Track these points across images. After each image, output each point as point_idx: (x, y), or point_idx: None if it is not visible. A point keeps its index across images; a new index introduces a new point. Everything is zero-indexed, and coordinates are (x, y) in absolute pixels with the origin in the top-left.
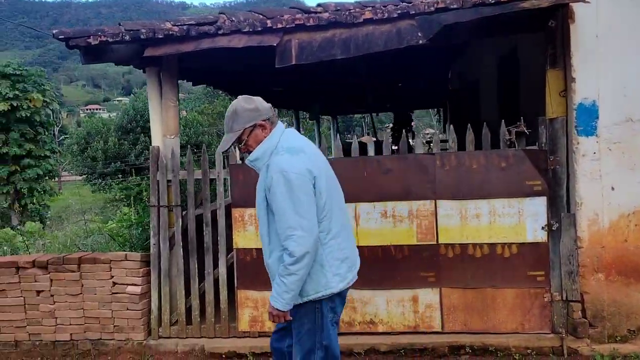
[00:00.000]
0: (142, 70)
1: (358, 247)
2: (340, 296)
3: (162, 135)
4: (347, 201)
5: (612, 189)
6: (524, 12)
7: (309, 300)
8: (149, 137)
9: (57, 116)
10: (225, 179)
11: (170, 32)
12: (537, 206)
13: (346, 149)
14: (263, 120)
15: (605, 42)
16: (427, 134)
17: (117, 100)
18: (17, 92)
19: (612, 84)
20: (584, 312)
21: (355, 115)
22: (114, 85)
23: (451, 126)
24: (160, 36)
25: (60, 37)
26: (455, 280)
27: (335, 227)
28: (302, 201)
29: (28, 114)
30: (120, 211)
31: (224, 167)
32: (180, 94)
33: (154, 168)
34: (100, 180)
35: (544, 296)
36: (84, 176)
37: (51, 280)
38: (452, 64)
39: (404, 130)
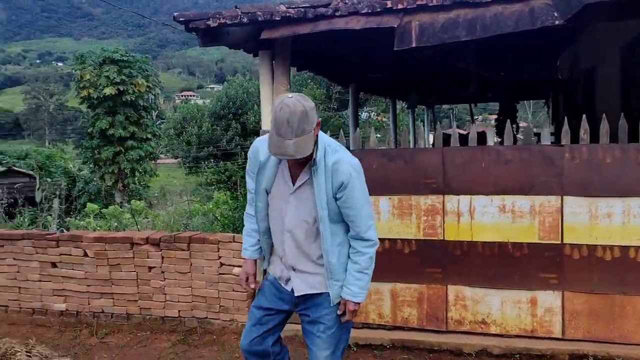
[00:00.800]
0: (251, 54)
1: (473, 242)
2: None
3: None
4: (461, 193)
5: None
6: None
7: None
8: (241, 123)
9: (155, 101)
10: None
11: (287, 14)
12: None
13: (444, 139)
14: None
15: None
16: (521, 127)
17: (210, 88)
18: (123, 77)
19: None
20: None
21: (443, 107)
22: (207, 73)
23: (583, 115)
24: (277, 18)
25: (180, 19)
26: (580, 283)
27: None
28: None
29: (133, 98)
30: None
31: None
32: None
33: None
34: (193, 163)
35: None
36: (179, 159)
37: (162, 257)
38: (562, 51)
39: (508, 121)
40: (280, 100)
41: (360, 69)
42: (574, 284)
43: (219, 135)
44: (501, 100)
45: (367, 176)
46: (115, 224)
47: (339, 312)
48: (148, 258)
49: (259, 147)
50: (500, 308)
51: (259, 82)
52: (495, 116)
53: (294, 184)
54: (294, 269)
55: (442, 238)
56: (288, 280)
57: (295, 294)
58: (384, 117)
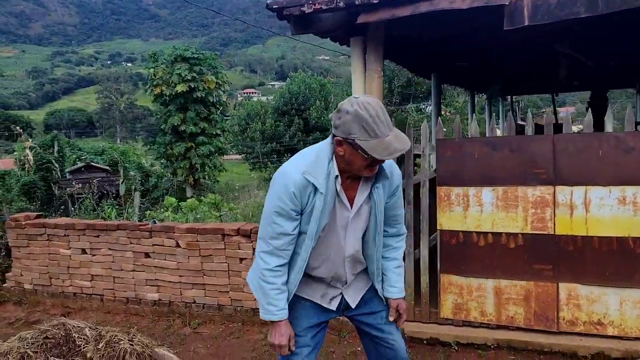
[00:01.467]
0: (338, 43)
1: (588, 236)
2: None
3: None
4: (575, 183)
5: None
6: None
7: None
8: (303, 119)
9: (222, 98)
10: (430, 155)
11: None
12: None
13: (518, 131)
14: None
15: None
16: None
17: (271, 85)
18: (194, 74)
19: None
20: None
21: (507, 99)
22: (268, 71)
23: None
24: (376, 1)
25: (274, 7)
26: None
27: None
28: None
29: (203, 95)
30: None
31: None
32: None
33: None
34: (257, 159)
35: None
36: (243, 155)
37: (253, 249)
38: None
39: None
40: (354, 103)
41: (444, 57)
42: None
43: (281, 131)
44: (590, 88)
45: (468, 166)
46: (191, 217)
47: (391, 316)
48: (239, 249)
49: (307, 178)
50: (619, 308)
51: (351, 70)
52: (564, 109)
53: (351, 206)
54: (346, 283)
55: (552, 232)
56: (332, 299)
57: (352, 306)
58: (447, 110)
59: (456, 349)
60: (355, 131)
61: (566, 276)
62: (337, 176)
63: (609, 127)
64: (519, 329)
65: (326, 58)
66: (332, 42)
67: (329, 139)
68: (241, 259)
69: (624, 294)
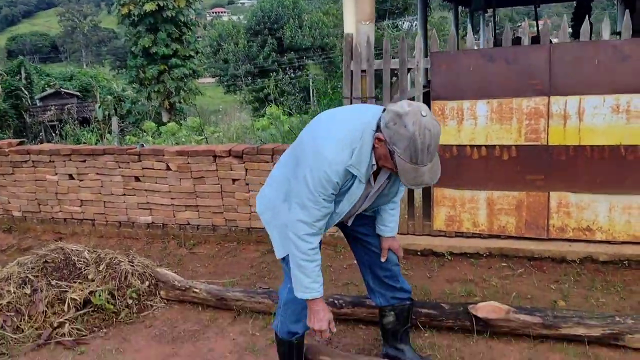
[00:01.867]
0: None
1: (580, 146)
2: None
3: (356, 21)
4: (569, 93)
5: None
6: None
7: None
8: (277, 39)
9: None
10: (425, 69)
11: None
12: None
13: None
14: None
15: None
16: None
17: (241, 3)
18: None
19: None
20: None
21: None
22: None
23: None
24: None
25: None
26: None
27: None
28: None
29: (173, 14)
30: (269, 108)
31: (424, 56)
32: None
33: (347, 57)
34: (232, 81)
35: None
36: (217, 77)
37: (246, 169)
38: None
39: (627, 11)
40: (416, 123)
41: None
42: None
43: (255, 52)
44: None
45: (463, 79)
46: (176, 140)
47: (383, 257)
48: (231, 170)
49: (351, 171)
50: (608, 215)
51: None
52: (540, 21)
53: (374, 183)
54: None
55: (545, 143)
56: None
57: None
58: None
59: (449, 258)
60: (401, 148)
61: (557, 185)
62: (374, 165)
63: (605, 34)
64: (510, 237)
65: None
66: None
67: (372, 124)
68: (234, 180)
69: (613, 200)
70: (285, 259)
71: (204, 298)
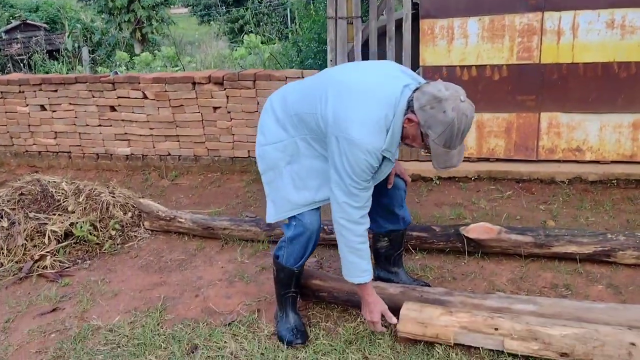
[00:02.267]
0: None
1: (573, 64)
2: None
3: None
4: (563, 8)
5: None
6: None
7: None
8: None
9: None
10: None
11: None
12: None
13: None
14: None
15: None
16: None
17: None
18: None
19: None
20: None
21: None
22: None
23: None
24: None
25: None
26: None
27: None
28: None
29: None
30: (247, 37)
31: None
32: None
33: None
34: (205, 11)
35: None
36: (189, 8)
37: (227, 97)
38: None
39: None
40: (456, 108)
41: None
42: None
43: None
44: None
45: None
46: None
47: (389, 184)
48: (212, 98)
49: (385, 155)
50: (598, 134)
51: None
52: None
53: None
54: None
55: (537, 62)
56: None
57: None
58: None
59: (437, 183)
60: (437, 133)
61: (549, 106)
62: (399, 142)
63: None
64: (499, 160)
65: None
66: None
67: (403, 103)
68: (215, 108)
69: (604, 119)
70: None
71: (189, 227)
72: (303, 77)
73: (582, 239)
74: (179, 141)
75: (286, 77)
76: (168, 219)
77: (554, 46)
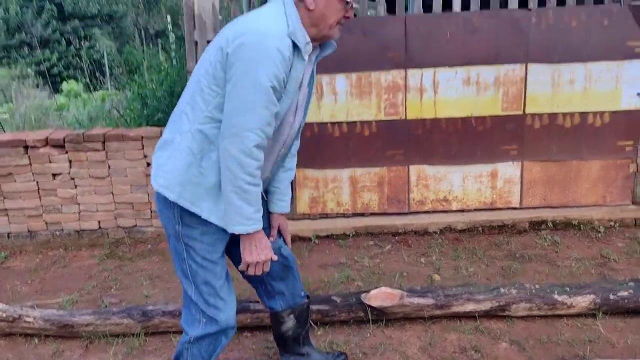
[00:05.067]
0: None
1: (436, 119)
2: None
3: None
4: (424, 66)
5: None
6: None
7: None
8: (56, 5)
9: None
10: None
11: None
12: (635, 70)
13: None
14: None
15: None
16: None
17: None
18: None
19: None
20: None
21: None
22: None
23: None
24: None
25: None
26: (539, 153)
27: None
28: None
29: None
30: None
31: None
32: None
33: (189, 25)
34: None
35: (629, 166)
36: None
37: (70, 161)
38: None
39: None
40: None
41: None
42: (533, 154)
43: (31, 20)
44: None
45: None
46: None
47: (272, 236)
48: (51, 163)
49: (294, 41)
50: (462, 184)
51: None
52: None
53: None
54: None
55: (403, 117)
56: None
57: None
58: None
59: (316, 242)
60: None
61: (416, 159)
62: (308, 43)
63: (456, 6)
64: (374, 214)
65: None
66: None
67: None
68: (54, 175)
69: (466, 170)
70: (187, 275)
71: (41, 328)
72: (161, 135)
73: (479, 296)
74: (7, 215)
75: (142, 137)
76: (10, 319)
77: (417, 102)
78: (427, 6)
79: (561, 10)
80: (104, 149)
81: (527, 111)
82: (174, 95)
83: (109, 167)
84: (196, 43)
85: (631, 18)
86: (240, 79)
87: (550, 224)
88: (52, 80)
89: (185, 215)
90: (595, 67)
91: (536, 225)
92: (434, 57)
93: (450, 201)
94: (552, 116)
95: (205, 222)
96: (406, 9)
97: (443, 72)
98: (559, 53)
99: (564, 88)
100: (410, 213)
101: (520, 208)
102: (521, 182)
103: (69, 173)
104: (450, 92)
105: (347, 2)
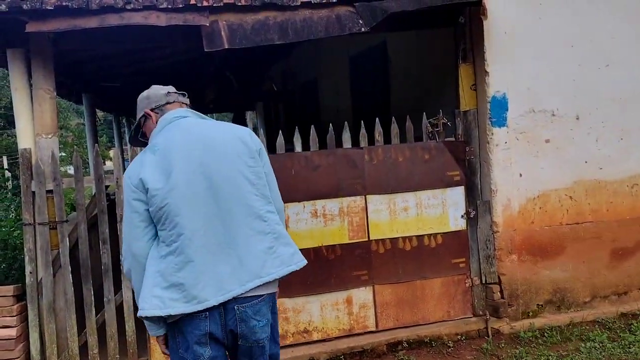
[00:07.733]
0: None
1: None
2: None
3: (35, 134)
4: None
5: (520, 175)
6: (443, 7)
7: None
8: None
9: None
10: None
11: (64, 4)
12: (457, 195)
13: None
14: (150, 110)
15: (513, 39)
16: None
17: None
18: None
19: (517, 78)
20: (502, 293)
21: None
22: None
23: (376, 119)
24: (50, 8)
25: None
26: (387, 276)
27: (186, 244)
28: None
29: None
30: None
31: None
32: None
33: (26, 176)
34: None
35: (466, 282)
36: None
37: None
38: (272, 64)
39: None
40: None
41: (96, 77)
42: (382, 277)
43: None
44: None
45: None
46: None
47: None
48: None
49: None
50: (321, 313)
51: (11, 89)
52: None
53: None
54: None
55: None
56: None
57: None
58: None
59: None
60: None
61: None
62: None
63: (298, 147)
64: None
65: None
66: None
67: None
68: None
69: (323, 299)
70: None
71: None
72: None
73: None
74: None
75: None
76: None
77: None
78: (272, 148)
79: (388, 147)
80: None
81: (371, 237)
82: (9, 248)
83: None
84: (34, 194)
85: (447, 152)
86: None
87: (405, 344)
88: None
89: None
90: (424, 195)
91: (393, 347)
92: (282, 193)
93: (311, 332)
94: (394, 241)
95: None
96: None
97: (292, 207)
98: (391, 184)
99: (400, 215)
100: None
101: (377, 331)
102: (374, 306)
103: None
104: (301, 224)
105: None
